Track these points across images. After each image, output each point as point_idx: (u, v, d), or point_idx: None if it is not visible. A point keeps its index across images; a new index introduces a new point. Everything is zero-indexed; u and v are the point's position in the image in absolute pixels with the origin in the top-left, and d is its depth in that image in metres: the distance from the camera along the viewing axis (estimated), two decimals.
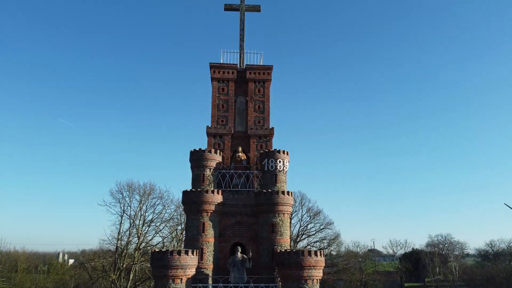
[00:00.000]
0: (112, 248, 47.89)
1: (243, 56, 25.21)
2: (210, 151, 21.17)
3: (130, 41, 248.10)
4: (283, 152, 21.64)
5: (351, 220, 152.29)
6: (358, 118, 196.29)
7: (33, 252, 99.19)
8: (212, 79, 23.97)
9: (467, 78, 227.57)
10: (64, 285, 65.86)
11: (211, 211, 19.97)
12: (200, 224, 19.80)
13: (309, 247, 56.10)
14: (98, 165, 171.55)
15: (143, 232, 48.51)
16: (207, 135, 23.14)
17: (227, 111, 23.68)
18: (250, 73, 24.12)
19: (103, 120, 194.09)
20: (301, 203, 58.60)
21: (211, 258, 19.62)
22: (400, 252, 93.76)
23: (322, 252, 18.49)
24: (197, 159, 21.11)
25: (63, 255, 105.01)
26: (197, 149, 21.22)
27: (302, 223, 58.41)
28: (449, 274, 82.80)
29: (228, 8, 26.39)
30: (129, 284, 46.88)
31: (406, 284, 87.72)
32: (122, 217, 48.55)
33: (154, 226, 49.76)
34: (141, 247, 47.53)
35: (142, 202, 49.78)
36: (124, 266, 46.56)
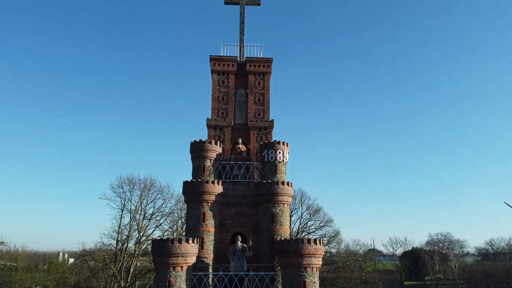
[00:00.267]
0: (113, 241, 48.11)
1: (243, 49, 25.36)
2: (210, 142, 21.32)
3: (130, 35, 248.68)
4: (283, 143, 21.78)
5: (351, 219, 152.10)
6: (358, 114, 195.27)
7: (33, 251, 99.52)
8: (212, 71, 24.12)
9: (467, 75, 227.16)
10: (65, 283, 65.91)
11: (212, 201, 20.11)
12: (201, 214, 19.92)
13: None
14: (98, 163, 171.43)
15: (144, 226, 48.68)
16: (207, 127, 23.28)
17: (227, 104, 23.82)
18: (250, 66, 24.27)
19: (102, 116, 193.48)
20: (301, 200, 58.67)
21: (211, 248, 19.74)
22: (400, 250, 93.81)
23: (321, 241, 18.61)
24: (197, 150, 21.26)
25: (63, 255, 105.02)
26: (198, 140, 21.37)
27: (302, 220, 58.52)
28: (449, 272, 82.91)
29: (228, 1, 26.55)
30: (129, 276, 47.02)
31: (406, 283, 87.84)
32: (122, 211, 48.82)
33: (154, 220, 50.04)
34: (141, 240, 47.69)
35: (143, 196, 49.98)
36: (125, 259, 46.72)
